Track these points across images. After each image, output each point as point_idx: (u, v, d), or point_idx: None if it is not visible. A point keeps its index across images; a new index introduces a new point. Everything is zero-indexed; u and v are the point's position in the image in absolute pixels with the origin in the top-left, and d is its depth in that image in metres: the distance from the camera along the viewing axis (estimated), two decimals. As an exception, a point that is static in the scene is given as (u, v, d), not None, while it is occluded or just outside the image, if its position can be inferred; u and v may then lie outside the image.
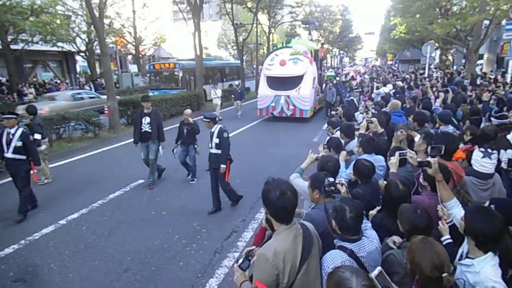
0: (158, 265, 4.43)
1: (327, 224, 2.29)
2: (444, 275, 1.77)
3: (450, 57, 31.70)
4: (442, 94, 7.92)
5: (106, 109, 12.86)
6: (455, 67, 28.26)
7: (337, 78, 22.19)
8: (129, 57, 39.40)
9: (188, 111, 7.66)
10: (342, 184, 2.43)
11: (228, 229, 5.38)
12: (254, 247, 2.23)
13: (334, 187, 2.45)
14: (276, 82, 14.49)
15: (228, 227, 5.46)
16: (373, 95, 12.31)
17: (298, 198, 2.06)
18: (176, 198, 6.64)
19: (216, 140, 5.69)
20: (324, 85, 17.36)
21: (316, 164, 3.43)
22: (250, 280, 2.05)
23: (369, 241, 2.21)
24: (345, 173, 3.63)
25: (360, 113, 7.70)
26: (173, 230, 5.36)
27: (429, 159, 2.57)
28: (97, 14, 12.36)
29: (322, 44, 28.55)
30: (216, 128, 5.77)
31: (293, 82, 14.12)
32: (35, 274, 4.30)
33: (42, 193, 7.05)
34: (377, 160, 3.80)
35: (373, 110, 7.24)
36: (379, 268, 1.64)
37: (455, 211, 2.52)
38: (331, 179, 2.44)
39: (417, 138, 4.13)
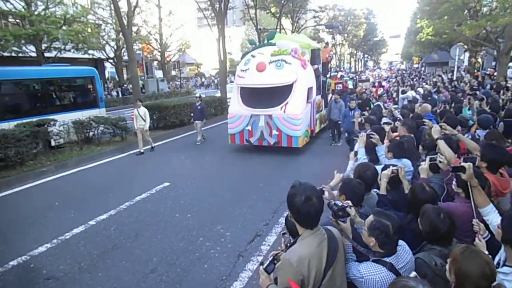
0: (183, 267, 4.49)
1: (355, 239, 2.24)
2: (494, 284, 1.70)
3: (479, 60, 30.66)
4: (477, 102, 7.63)
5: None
6: (484, 70, 27.31)
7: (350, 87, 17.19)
8: (155, 63, 40.49)
9: None
10: (350, 207, 2.36)
11: (251, 233, 5.39)
12: (279, 250, 2.23)
13: (343, 212, 2.32)
14: (253, 96, 10.09)
15: (252, 230, 5.47)
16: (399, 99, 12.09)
17: (323, 205, 2.04)
18: (201, 201, 6.71)
19: None
20: (330, 97, 12.63)
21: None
22: (275, 283, 2.05)
23: (403, 250, 2.13)
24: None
25: (384, 116, 7.55)
26: (198, 233, 5.42)
27: (463, 164, 2.50)
28: (125, 22, 12.80)
29: (327, 43, 22.04)
30: None
31: (276, 95, 9.67)
32: (67, 273, 4.45)
33: (73, 194, 7.33)
34: (405, 165, 3.71)
35: (398, 115, 7.10)
36: (414, 273, 1.62)
37: (491, 217, 2.44)
38: (339, 203, 2.36)
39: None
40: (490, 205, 2.48)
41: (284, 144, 9.78)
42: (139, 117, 10.60)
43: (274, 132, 9.69)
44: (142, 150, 10.78)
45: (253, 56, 10.31)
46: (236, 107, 10.27)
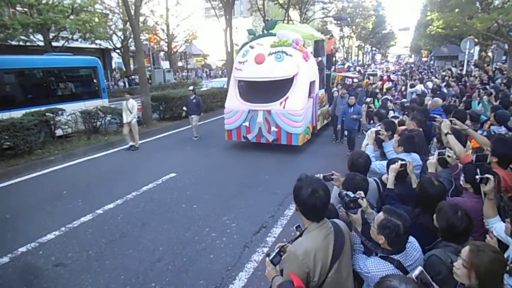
0: (189, 257, 4.54)
1: (364, 233, 2.24)
2: (507, 269, 1.72)
3: (490, 54, 30.19)
4: (485, 97, 7.54)
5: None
6: (494, 64, 26.92)
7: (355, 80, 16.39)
8: (161, 53, 40.43)
9: None
10: (362, 198, 2.34)
11: (257, 224, 5.42)
12: (286, 242, 2.23)
13: (355, 203, 2.31)
14: (251, 90, 9.56)
15: (257, 222, 5.50)
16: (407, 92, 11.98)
17: (330, 198, 2.03)
18: (207, 192, 6.75)
19: None
20: (335, 91, 11.50)
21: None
22: (281, 275, 2.06)
23: (413, 248, 2.11)
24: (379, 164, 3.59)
25: (391, 110, 7.50)
26: (204, 223, 5.46)
27: (488, 175, 2.47)
28: (132, 12, 12.76)
29: (332, 35, 20.97)
30: None
31: (276, 89, 9.07)
32: (75, 260, 4.52)
33: (80, 183, 7.40)
34: (414, 159, 3.69)
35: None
36: (420, 268, 1.60)
37: (496, 225, 2.48)
38: (351, 194, 2.35)
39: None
40: (497, 217, 2.51)
41: (283, 142, 9.17)
42: (127, 111, 10.04)
43: (273, 128, 9.08)
44: (135, 145, 10.28)
45: (251, 47, 9.58)
46: (233, 102, 9.65)
